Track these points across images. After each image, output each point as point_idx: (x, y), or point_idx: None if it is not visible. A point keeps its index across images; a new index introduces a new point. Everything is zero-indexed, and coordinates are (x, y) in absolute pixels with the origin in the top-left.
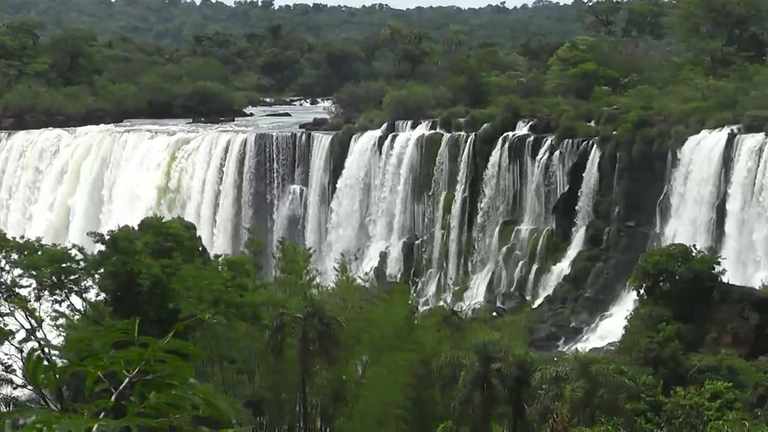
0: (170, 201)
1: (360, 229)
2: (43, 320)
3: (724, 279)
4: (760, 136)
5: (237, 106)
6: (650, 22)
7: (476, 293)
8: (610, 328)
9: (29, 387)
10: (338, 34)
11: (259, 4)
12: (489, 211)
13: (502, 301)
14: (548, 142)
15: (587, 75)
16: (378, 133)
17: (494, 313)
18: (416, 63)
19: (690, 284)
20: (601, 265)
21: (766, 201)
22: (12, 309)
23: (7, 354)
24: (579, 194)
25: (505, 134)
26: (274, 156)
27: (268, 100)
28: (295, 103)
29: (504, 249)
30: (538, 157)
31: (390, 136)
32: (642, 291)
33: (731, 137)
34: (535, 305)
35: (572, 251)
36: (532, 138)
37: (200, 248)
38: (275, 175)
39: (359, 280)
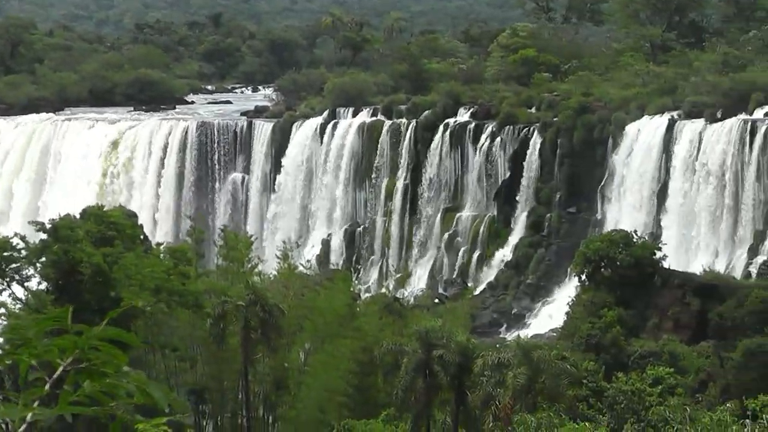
0: (112, 189)
1: (302, 217)
2: None
3: (666, 265)
4: (700, 122)
5: (178, 94)
6: (590, 9)
7: (418, 280)
8: (552, 314)
9: None
10: (279, 21)
11: None
12: (430, 198)
13: (444, 288)
14: (489, 129)
15: (528, 61)
16: (319, 120)
17: (436, 300)
18: (357, 50)
19: (631, 270)
20: (542, 251)
21: (706, 186)
22: None
23: None
24: (520, 181)
25: (446, 121)
26: (216, 144)
27: (209, 87)
28: (236, 90)
29: (446, 236)
30: (480, 144)
31: (331, 124)
32: (583, 277)
33: (671, 123)
34: (477, 292)
35: (514, 238)
36: (473, 125)
37: (142, 237)
38: (216, 163)
39: (301, 268)
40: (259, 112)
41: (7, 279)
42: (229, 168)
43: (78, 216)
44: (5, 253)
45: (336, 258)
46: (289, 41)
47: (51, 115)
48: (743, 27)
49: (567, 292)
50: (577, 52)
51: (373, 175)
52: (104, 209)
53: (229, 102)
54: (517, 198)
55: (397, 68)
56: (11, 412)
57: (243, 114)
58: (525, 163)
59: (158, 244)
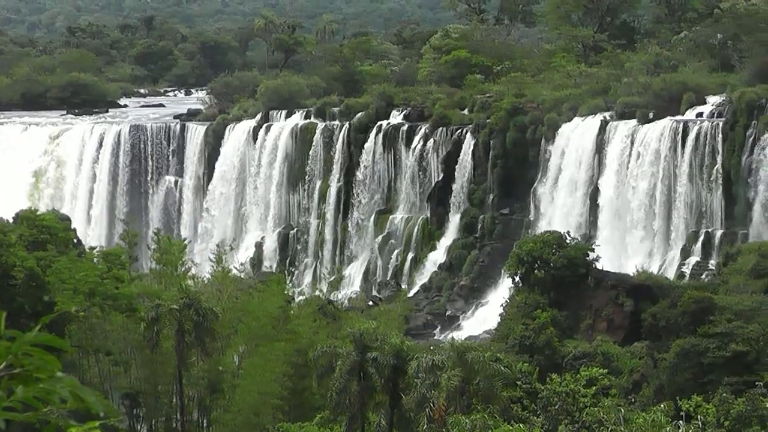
0: (45, 193)
1: (235, 220)
2: None
3: (599, 266)
4: (633, 122)
5: (111, 98)
6: (522, 10)
7: (352, 282)
8: (485, 315)
9: None
10: (212, 24)
11: None
12: (364, 200)
13: (377, 290)
14: (422, 131)
15: (460, 63)
16: (252, 123)
17: (370, 302)
18: (290, 52)
19: (565, 271)
20: (476, 252)
21: (639, 187)
22: None
23: None
24: (453, 182)
25: (379, 123)
26: (149, 147)
27: (142, 91)
28: (169, 93)
29: (379, 238)
30: (413, 146)
31: (264, 126)
32: (517, 278)
33: (604, 124)
34: (411, 294)
35: (447, 239)
36: (406, 126)
37: (75, 240)
38: (150, 166)
39: (235, 271)
40: (192, 115)
41: None
42: (162, 171)
43: (11, 220)
44: None
45: (270, 261)
46: (221, 44)
47: None
48: (674, 28)
49: (501, 293)
50: (509, 54)
51: (307, 178)
52: (37, 213)
53: (161, 105)
54: (451, 200)
55: (330, 70)
56: None
57: (176, 117)
58: (458, 165)
59: (91, 248)
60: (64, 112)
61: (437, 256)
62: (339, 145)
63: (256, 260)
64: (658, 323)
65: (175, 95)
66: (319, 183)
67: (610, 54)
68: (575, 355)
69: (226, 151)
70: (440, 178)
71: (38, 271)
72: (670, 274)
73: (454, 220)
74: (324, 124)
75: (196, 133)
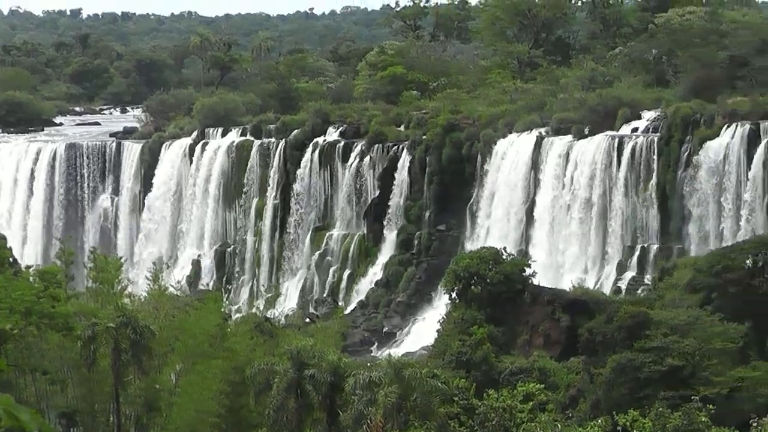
0: None
1: (172, 238)
2: None
3: (535, 281)
4: (568, 138)
5: (46, 116)
6: (458, 26)
7: (289, 299)
8: (422, 331)
9: None
10: (147, 42)
11: (68, 12)
12: (300, 217)
13: (314, 307)
14: (358, 148)
15: (396, 79)
16: (188, 140)
17: (307, 319)
18: (226, 70)
19: (501, 287)
20: (412, 269)
21: (575, 203)
22: None
23: None
24: (390, 199)
25: (315, 140)
26: (85, 165)
27: (77, 109)
28: (105, 111)
29: (316, 255)
30: (349, 163)
31: (200, 144)
32: (454, 294)
33: (539, 140)
34: (348, 310)
35: (384, 256)
36: (342, 143)
37: (11, 259)
38: (86, 184)
39: (171, 289)
40: (128, 133)
41: None
42: (98, 189)
43: None
44: None
45: (206, 278)
46: (157, 62)
47: None
48: (609, 43)
49: (437, 309)
50: (445, 70)
51: (243, 195)
52: None
53: (97, 123)
54: (387, 216)
55: (266, 88)
56: None
57: (112, 135)
58: (394, 182)
59: (27, 267)
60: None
61: (374, 273)
62: (275, 163)
63: (193, 278)
64: (594, 338)
65: (111, 113)
66: (255, 200)
67: (545, 70)
68: (512, 370)
69: (162, 169)
70: (376, 195)
71: None
72: (607, 289)
73: (391, 236)
74: (260, 141)
75: (132, 151)
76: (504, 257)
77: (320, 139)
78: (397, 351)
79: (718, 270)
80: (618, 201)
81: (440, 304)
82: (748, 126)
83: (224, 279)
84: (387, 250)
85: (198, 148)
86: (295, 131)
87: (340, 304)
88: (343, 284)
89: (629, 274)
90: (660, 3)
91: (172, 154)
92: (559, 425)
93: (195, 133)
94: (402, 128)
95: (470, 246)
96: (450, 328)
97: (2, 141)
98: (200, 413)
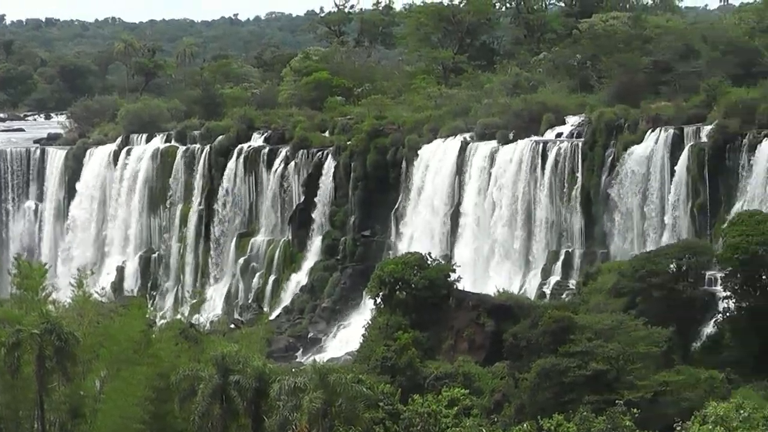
0: None
1: (96, 244)
2: None
3: (460, 286)
4: (493, 143)
5: None
6: (382, 32)
7: (214, 305)
8: (347, 337)
9: None
10: (71, 48)
11: None
12: (225, 223)
13: (239, 313)
14: (283, 153)
15: (321, 85)
16: (113, 147)
17: (232, 325)
18: (150, 76)
19: (426, 292)
20: (338, 274)
21: (500, 208)
22: None
23: None
24: (314, 205)
25: (240, 146)
26: (8, 172)
27: (1, 115)
28: (29, 118)
29: (241, 261)
30: (274, 168)
31: (125, 150)
32: (379, 300)
33: (464, 145)
34: (273, 316)
35: (309, 262)
36: (267, 149)
37: None
38: (9, 191)
39: (96, 295)
40: (52, 139)
41: None
42: (22, 196)
43: None
44: None
45: (131, 284)
46: (81, 68)
47: None
48: (534, 49)
49: (363, 315)
50: (369, 76)
51: (168, 201)
52: None
53: (21, 130)
54: (312, 222)
55: (190, 94)
56: None
57: (36, 141)
58: (319, 187)
59: None
60: None
61: (299, 279)
62: (200, 169)
63: (118, 284)
64: (519, 343)
65: (35, 119)
66: (180, 206)
67: (470, 75)
68: (437, 375)
69: (86, 175)
70: (301, 201)
71: None
72: (531, 293)
73: (316, 242)
74: (185, 147)
75: (57, 157)
76: (429, 262)
77: (245, 145)
78: (322, 357)
79: (642, 274)
80: (542, 206)
81: (365, 310)
82: (671, 131)
83: (149, 285)
84: (312, 256)
85: (122, 154)
86: (220, 137)
87: (265, 309)
88: (268, 290)
89: (554, 279)
90: (584, 8)
91: (96, 160)
92: (483, 430)
93: (119, 139)
94: (327, 134)
95: (395, 251)
96: (375, 333)
97: None
98: (125, 419)
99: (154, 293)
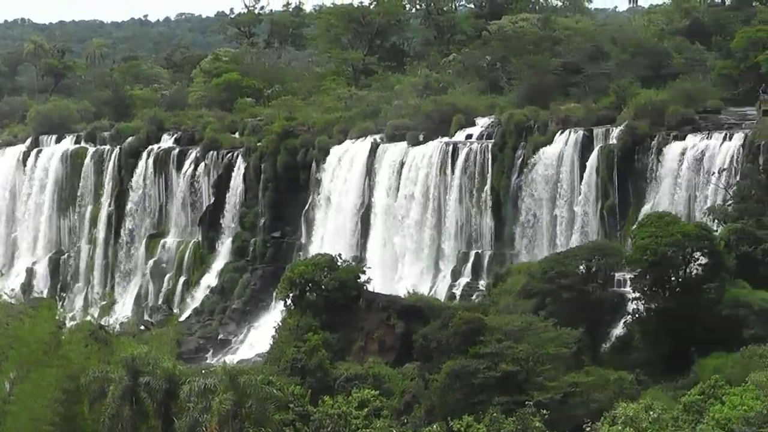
0: None
1: (5, 246)
2: None
3: (370, 287)
4: (402, 145)
5: None
6: (292, 33)
7: (124, 307)
8: (258, 338)
9: None
10: None
11: None
12: (135, 224)
13: (149, 315)
14: (193, 155)
15: (231, 86)
16: (22, 148)
17: (142, 327)
18: (60, 77)
19: (336, 293)
20: (248, 276)
21: (409, 209)
22: None
23: None
24: (225, 206)
25: (149, 147)
26: None
27: None
28: None
29: (151, 262)
30: (184, 170)
31: (35, 151)
32: (289, 301)
33: (374, 146)
34: (183, 318)
35: (219, 263)
36: (177, 150)
37: None
38: None
39: (5, 297)
40: None
41: None
42: None
43: None
44: None
45: (41, 286)
46: None
47: None
48: (443, 50)
49: (273, 316)
50: (280, 77)
51: (78, 203)
52: None
53: None
54: (222, 223)
55: (100, 95)
56: None
57: None
58: (229, 189)
59: None
60: None
61: (209, 280)
62: (110, 170)
63: (27, 286)
64: (429, 344)
65: None
66: (90, 208)
67: (380, 77)
68: (347, 377)
69: None
70: (211, 202)
71: None
72: (441, 295)
73: (226, 243)
74: (95, 148)
75: None
76: (339, 264)
77: (155, 147)
78: (232, 358)
79: (552, 276)
80: (452, 207)
81: (275, 311)
82: (581, 132)
83: (59, 287)
84: (222, 258)
85: (32, 155)
86: (130, 138)
87: (175, 311)
88: (178, 291)
89: (464, 280)
90: (493, 10)
91: (5, 161)
92: (394, 431)
93: (29, 141)
94: (237, 135)
95: (306, 253)
96: (285, 335)
97: None
98: (35, 421)
99: (64, 295)
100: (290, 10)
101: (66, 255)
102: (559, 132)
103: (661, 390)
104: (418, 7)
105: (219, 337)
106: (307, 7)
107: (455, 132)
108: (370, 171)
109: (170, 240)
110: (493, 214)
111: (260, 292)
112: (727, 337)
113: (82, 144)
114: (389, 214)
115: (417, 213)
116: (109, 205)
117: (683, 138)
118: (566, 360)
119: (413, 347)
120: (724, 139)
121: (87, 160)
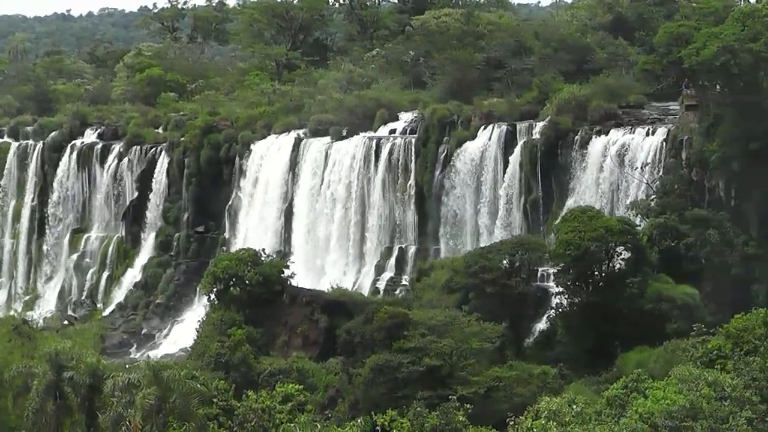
0: None
1: None
2: None
3: (294, 282)
4: (326, 139)
5: None
6: (215, 28)
7: (47, 302)
8: (182, 333)
9: None
10: None
11: None
12: (59, 219)
13: (73, 310)
14: (116, 149)
15: (154, 81)
16: None
17: (65, 322)
18: None
19: (260, 288)
20: (171, 271)
21: (333, 204)
22: None
23: None
24: (148, 201)
25: (73, 142)
26: None
27: None
28: None
29: (74, 257)
30: (107, 165)
31: None
32: (213, 296)
33: (298, 141)
34: (107, 313)
35: (142, 258)
36: (100, 145)
37: None
38: None
39: None
40: None
41: None
42: None
43: None
44: None
45: None
46: None
47: None
48: (367, 45)
49: (197, 311)
50: (203, 72)
51: (1, 197)
52: None
53: None
54: (146, 218)
55: (23, 90)
56: None
57: None
58: (153, 184)
59: None
60: None
61: (132, 275)
62: (33, 165)
63: None
64: (352, 339)
65: None
66: (13, 202)
67: (303, 72)
68: (271, 371)
69: None
70: (135, 197)
71: None
72: (365, 289)
73: (150, 238)
74: (17, 143)
75: None
76: (263, 259)
77: (78, 141)
78: (156, 353)
79: (475, 270)
80: (376, 202)
81: (199, 306)
82: (504, 127)
83: None
84: (146, 252)
85: None
86: (53, 133)
87: (98, 306)
88: (102, 286)
89: (387, 275)
90: (417, 5)
91: None
92: (318, 425)
93: None
94: (160, 130)
95: (230, 247)
96: (209, 329)
97: None
98: None
99: None
100: (213, 5)
101: None
102: (483, 127)
103: (584, 384)
104: (341, 2)
105: (143, 331)
106: (231, 2)
107: (379, 127)
108: (293, 166)
109: (94, 235)
110: (416, 208)
111: (184, 287)
112: (650, 331)
113: (5, 139)
114: (313, 208)
115: (341, 207)
116: (32, 200)
117: (606, 133)
118: (490, 354)
119: (337, 342)
120: (647, 133)
121: (10, 155)
